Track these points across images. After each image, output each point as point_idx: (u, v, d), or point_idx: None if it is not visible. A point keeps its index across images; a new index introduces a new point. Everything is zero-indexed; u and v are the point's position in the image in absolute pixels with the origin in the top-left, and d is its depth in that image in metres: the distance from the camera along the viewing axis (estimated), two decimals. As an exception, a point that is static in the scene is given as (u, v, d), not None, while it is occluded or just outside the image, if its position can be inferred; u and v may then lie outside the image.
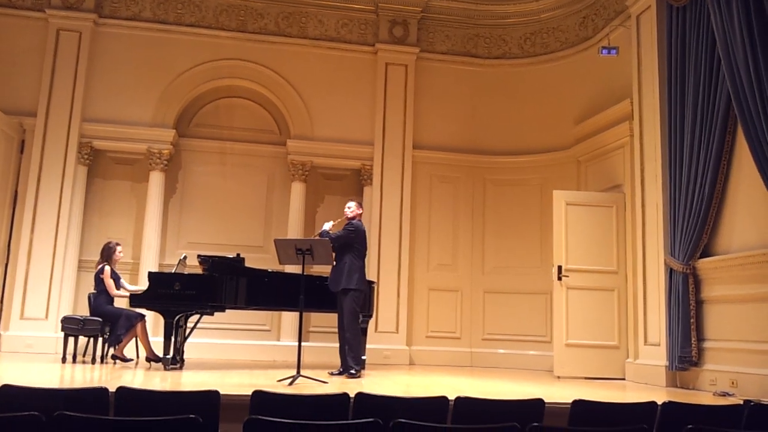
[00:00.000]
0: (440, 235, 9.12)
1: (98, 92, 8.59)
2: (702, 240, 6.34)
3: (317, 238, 6.27)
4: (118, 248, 7.30)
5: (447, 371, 7.72)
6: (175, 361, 6.45)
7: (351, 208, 6.71)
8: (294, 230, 8.68)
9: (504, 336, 8.87)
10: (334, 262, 6.48)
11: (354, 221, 6.62)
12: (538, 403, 3.56)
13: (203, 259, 6.74)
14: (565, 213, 7.77)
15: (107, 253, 7.20)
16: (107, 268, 7.10)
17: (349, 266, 6.42)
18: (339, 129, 9.08)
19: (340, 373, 6.31)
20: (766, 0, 5.56)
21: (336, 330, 6.62)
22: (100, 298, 7.07)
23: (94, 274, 7.22)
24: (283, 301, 6.89)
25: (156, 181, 8.57)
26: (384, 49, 9.18)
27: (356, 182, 9.17)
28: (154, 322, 7.67)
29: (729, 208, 6.25)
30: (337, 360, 6.56)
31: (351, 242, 6.49)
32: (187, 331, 6.89)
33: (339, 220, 6.67)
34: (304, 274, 6.07)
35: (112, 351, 6.93)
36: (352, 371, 6.21)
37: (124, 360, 6.81)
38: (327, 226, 6.53)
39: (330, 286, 6.52)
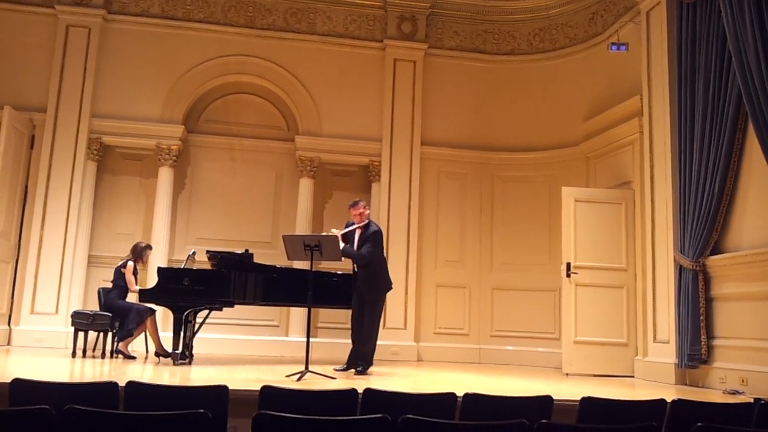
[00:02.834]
0: (448, 232, 9.11)
1: (107, 88, 8.62)
2: (712, 237, 6.31)
3: (327, 233, 6.21)
4: (148, 251, 7.41)
5: (455, 368, 7.72)
6: (184, 356, 6.47)
7: (365, 211, 6.48)
8: (302, 226, 8.69)
9: (512, 333, 8.85)
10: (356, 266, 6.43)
11: (373, 226, 6.47)
12: (547, 400, 3.55)
13: (212, 255, 6.75)
14: (573, 210, 7.74)
15: (137, 252, 7.30)
16: (130, 264, 7.15)
17: (381, 272, 6.41)
18: (347, 125, 9.07)
19: (344, 370, 6.31)
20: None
21: (346, 326, 6.60)
22: (114, 292, 7.11)
23: (116, 266, 7.26)
24: (292, 297, 6.90)
25: (165, 176, 8.59)
26: (392, 45, 9.17)
27: (364, 178, 9.17)
28: (163, 317, 7.70)
29: (739, 205, 6.21)
30: (344, 355, 6.55)
31: (380, 249, 6.46)
32: (196, 326, 6.92)
33: (347, 229, 6.43)
34: (313, 270, 6.07)
35: (117, 345, 6.94)
36: (359, 368, 6.21)
37: (128, 356, 6.82)
38: (338, 234, 6.25)
39: (363, 294, 6.36)
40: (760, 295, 5.80)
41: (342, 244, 6.23)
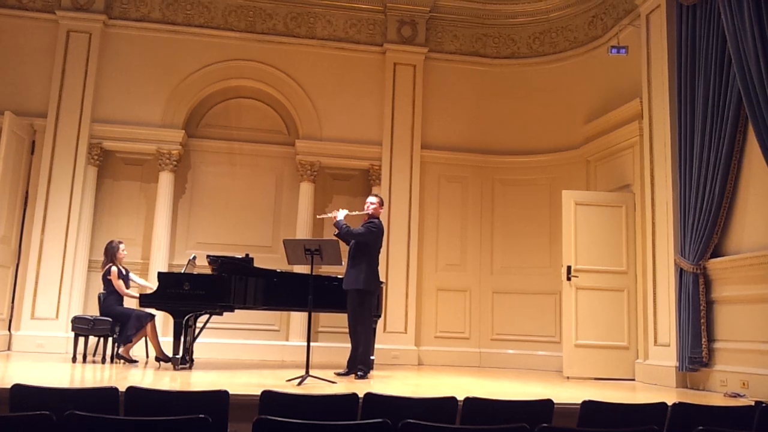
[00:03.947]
0: (449, 235, 9.11)
1: (108, 93, 8.64)
2: (712, 240, 6.31)
3: (328, 238, 6.24)
4: (121, 246, 7.30)
5: (456, 371, 7.71)
6: (184, 360, 6.47)
7: (374, 204, 6.53)
8: (302, 230, 8.69)
9: (513, 336, 8.84)
10: (347, 259, 6.42)
11: (376, 220, 6.47)
12: (548, 403, 3.55)
13: (212, 259, 6.75)
14: (574, 213, 7.74)
15: (111, 253, 7.21)
16: (114, 269, 7.11)
17: (367, 267, 6.31)
18: (347, 129, 9.08)
19: (345, 374, 6.30)
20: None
21: (347, 330, 6.58)
22: (110, 298, 7.09)
23: (101, 275, 7.24)
24: (292, 301, 6.90)
25: (165, 181, 8.60)
26: (392, 49, 9.18)
27: (365, 182, 9.17)
28: (163, 322, 7.70)
29: (740, 208, 6.21)
30: (344, 360, 6.55)
31: (371, 242, 6.40)
32: (197, 331, 6.91)
33: (356, 212, 6.56)
34: (313, 274, 6.07)
35: (118, 350, 6.94)
36: (360, 372, 6.20)
37: (130, 361, 6.82)
38: (341, 214, 6.33)
39: (345, 285, 6.42)
40: (761, 298, 5.80)
41: (342, 218, 6.30)
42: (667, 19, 7.05)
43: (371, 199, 6.62)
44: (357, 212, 6.57)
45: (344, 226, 6.31)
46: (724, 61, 6.23)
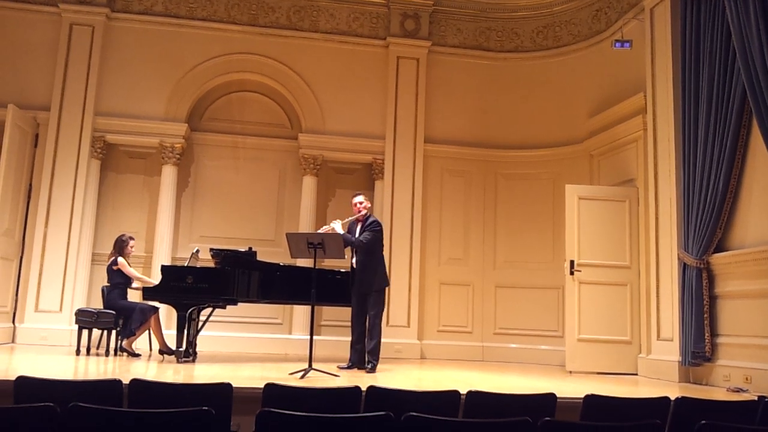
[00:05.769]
0: (452, 230, 9.11)
1: (111, 86, 8.63)
2: (716, 234, 6.29)
3: (332, 231, 6.28)
4: (131, 241, 7.33)
5: (458, 365, 7.71)
6: (187, 353, 6.48)
7: (363, 203, 6.65)
8: (305, 224, 8.70)
9: (516, 330, 8.85)
10: (354, 259, 6.49)
11: (373, 218, 6.61)
12: (550, 397, 3.55)
13: (215, 253, 6.76)
14: (577, 207, 7.73)
15: (120, 246, 7.23)
16: (121, 260, 7.12)
17: (380, 266, 6.46)
18: (350, 123, 9.07)
19: (349, 367, 6.32)
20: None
21: (348, 324, 6.63)
22: (114, 291, 7.10)
23: (106, 266, 7.26)
24: (295, 295, 6.91)
25: (168, 174, 8.60)
26: (395, 42, 9.16)
27: (367, 176, 9.17)
28: (167, 315, 7.71)
29: (743, 203, 6.19)
30: (347, 353, 6.57)
31: (381, 241, 6.52)
32: (200, 324, 6.93)
33: (349, 219, 6.64)
34: (316, 267, 6.08)
35: (121, 343, 6.95)
36: (370, 365, 6.24)
37: (133, 354, 6.83)
38: (338, 225, 6.43)
39: (362, 288, 6.46)
40: (765, 293, 5.79)
41: (342, 231, 6.39)
42: (671, 12, 7.02)
43: (359, 199, 6.69)
44: (348, 219, 6.65)
45: (351, 238, 6.43)
46: (728, 55, 6.21)
